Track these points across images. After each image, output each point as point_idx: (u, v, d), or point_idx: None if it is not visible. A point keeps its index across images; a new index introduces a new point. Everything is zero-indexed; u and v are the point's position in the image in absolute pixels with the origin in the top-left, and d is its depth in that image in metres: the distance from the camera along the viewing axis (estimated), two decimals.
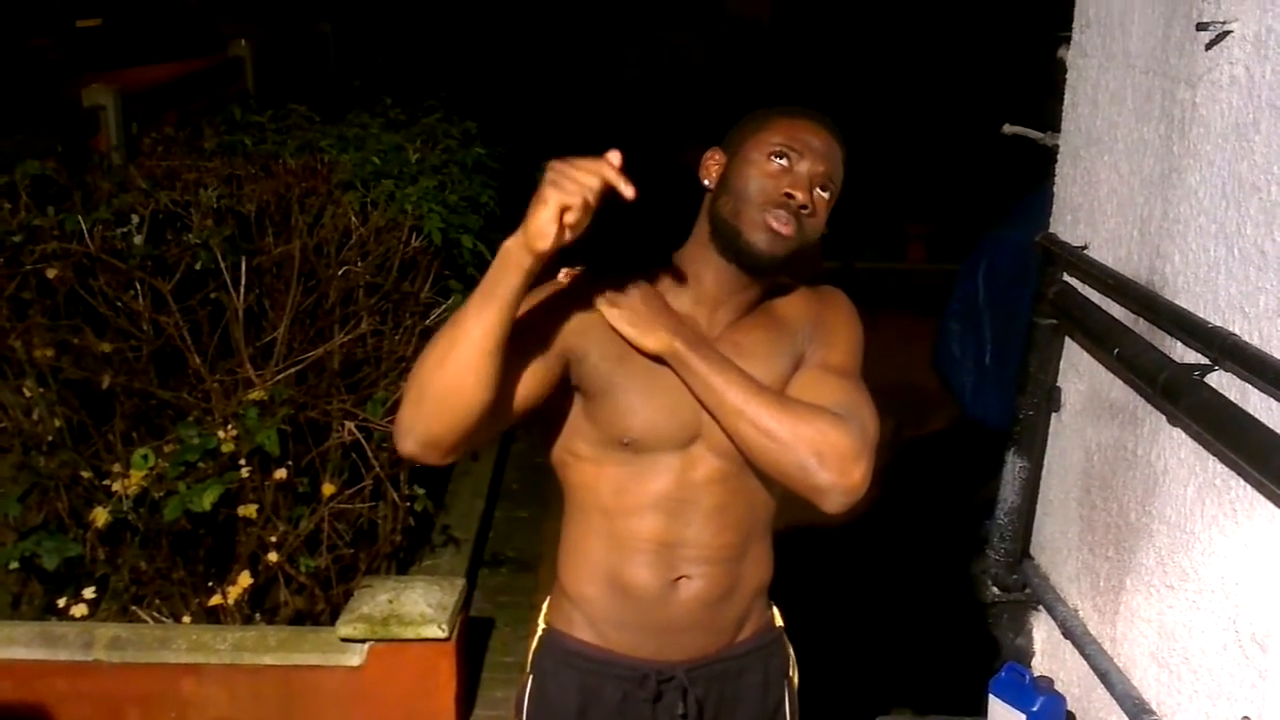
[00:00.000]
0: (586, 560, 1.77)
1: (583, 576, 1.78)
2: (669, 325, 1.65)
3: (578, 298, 1.67)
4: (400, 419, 1.55)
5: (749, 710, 1.86)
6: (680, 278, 1.72)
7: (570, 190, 1.40)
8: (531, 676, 1.85)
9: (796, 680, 1.94)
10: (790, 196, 1.62)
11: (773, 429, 1.60)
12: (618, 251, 1.77)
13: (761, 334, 1.73)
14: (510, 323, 1.48)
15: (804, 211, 1.63)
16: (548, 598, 1.88)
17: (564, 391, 1.69)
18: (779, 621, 1.93)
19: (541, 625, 1.87)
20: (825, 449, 1.59)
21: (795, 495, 1.65)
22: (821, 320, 1.78)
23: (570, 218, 1.41)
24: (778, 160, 1.64)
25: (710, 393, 1.62)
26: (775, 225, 1.62)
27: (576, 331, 1.65)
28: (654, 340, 1.64)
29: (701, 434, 1.69)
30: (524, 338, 1.57)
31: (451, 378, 1.48)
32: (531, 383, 1.60)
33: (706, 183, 1.71)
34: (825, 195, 1.66)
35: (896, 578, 4.27)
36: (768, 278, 1.72)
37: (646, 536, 1.71)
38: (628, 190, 1.42)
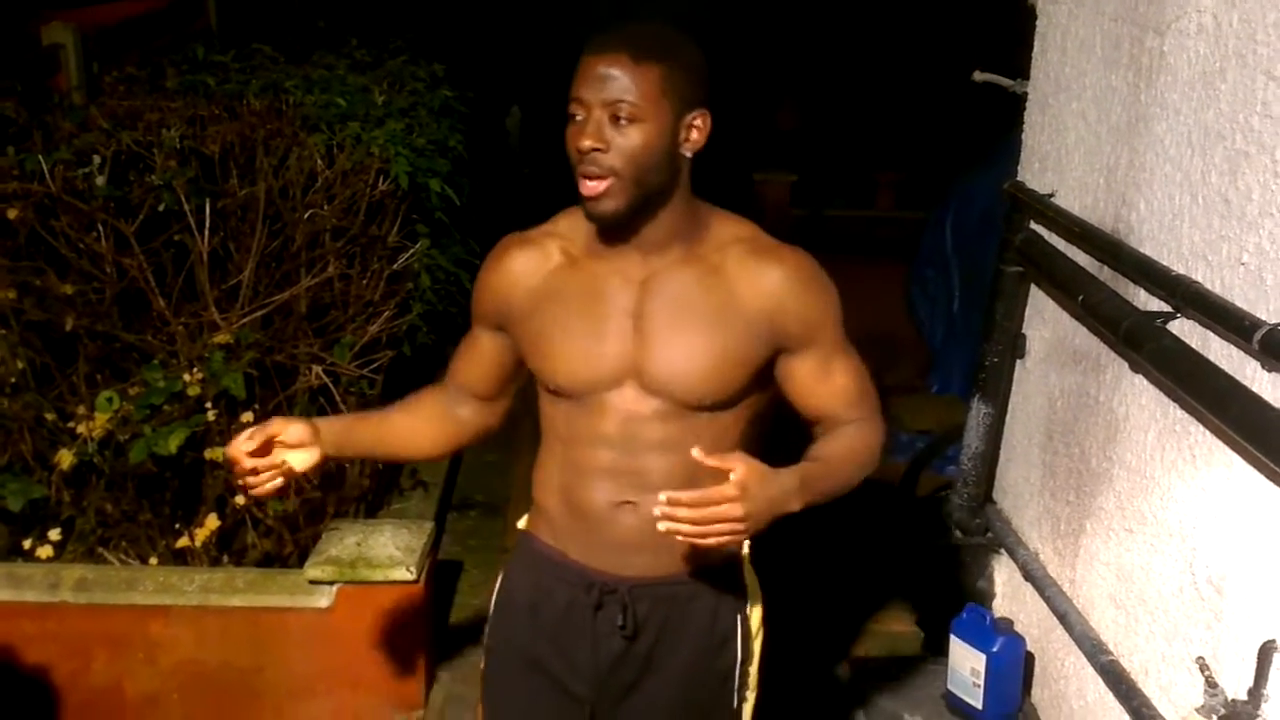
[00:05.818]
0: (548, 476, 1.89)
1: (545, 491, 1.90)
2: (787, 491, 1.69)
3: (503, 268, 1.83)
4: None
5: (693, 637, 1.89)
6: (596, 228, 1.78)
7: None
8: (503, 574, 1.99)
9: (755, 617, 1.96)
10: (581, 152, 1.64)
11: (857, 480, 1.85)
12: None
13: (708, 297, 1.76)
14: None
15: (599, 153, 1.64)
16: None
17: None
18: (744, 551, 1.96)
19: (521, 527, 2.00)
20: (876, 456, 1.86)
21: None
22: (787, 301, 1.78)
23: None
24: (575, 116, 1.66)
25: (829, 496, 1.79)
26: (585, 192, 1.67)
27: (505, 303, 1.83)
28: (796, 500, 1.70)
29: (631, 375, 1.76)
30: (477, 327, 1.88)
31: None
32: (489, 360, 1.91)
33: None
34: (626, 121, 1.64)
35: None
36: (649, 217, 1.73)
37: (598, 465, 1.80)
38: None
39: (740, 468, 1.60)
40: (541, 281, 1.80)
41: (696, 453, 1.61)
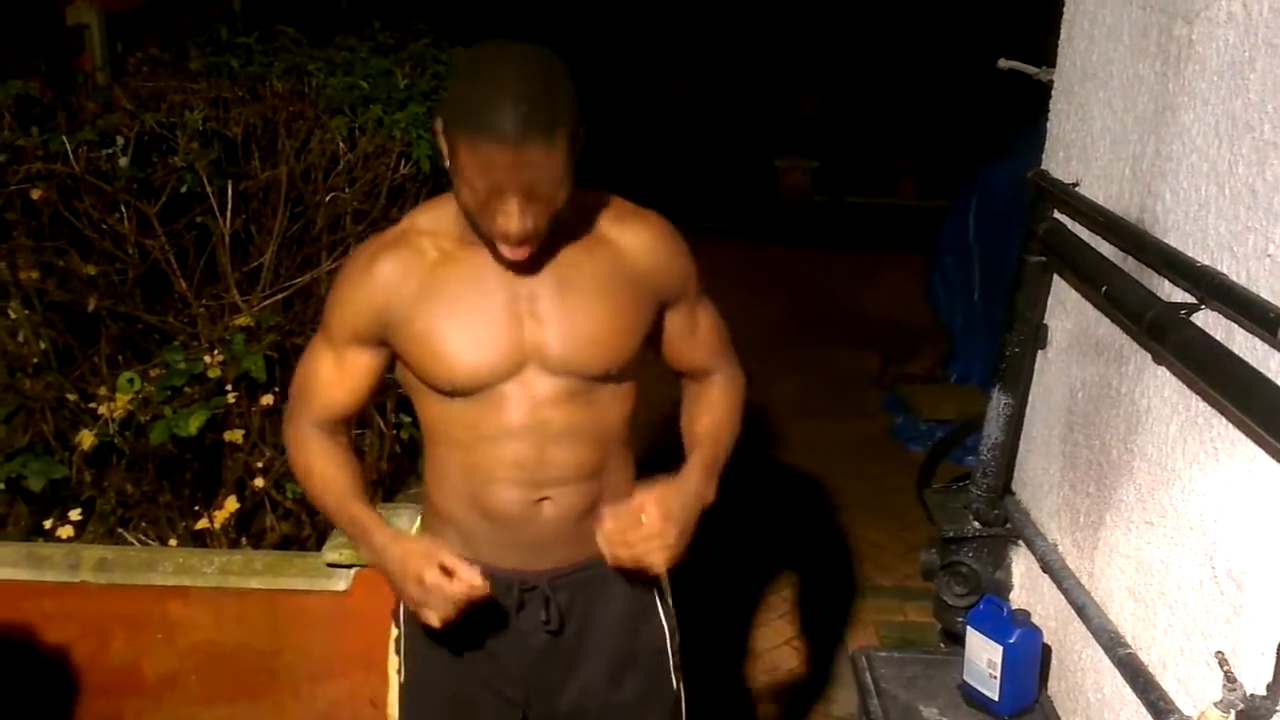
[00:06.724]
0: (449, 484, 1.84)
1: (447, 499, 1.85)
2: (699, 493, 1.83)
3: (375, 278, 1.75)
4: (289, 459, 1.94)
5: (613, 615, 1.91)
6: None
7: (439, 606, 1.70)
8: None
9: (668, 588, 1.99)
10: (506, 234, 1.62)
11: (738, 435, 1.98)
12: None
13: (596, 266, 1.77)
14: None
15: (528, 230, 1.62)
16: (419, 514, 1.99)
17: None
18: None
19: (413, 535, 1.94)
20: (743, 404, 2.00)
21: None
22: (664, 258, 1.84)
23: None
24: (480, 191, 1.60)
25: (724, 466, 1.93)
26: (507, 254, 1.66)
27: (385, 312, 1.75)
28: (712, 493, 1.85)
29: (532, 358, 1.74)
30: (349, 348, 1.81)
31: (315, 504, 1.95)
32: (371, 379, 1.85)
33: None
34: (539, 193, 1.60)
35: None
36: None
37: (506, 463, 1.77)
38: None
39: (651, 506, 1.71)
40: (420, 282, 1.73)
41: (606, 517, 1.73)
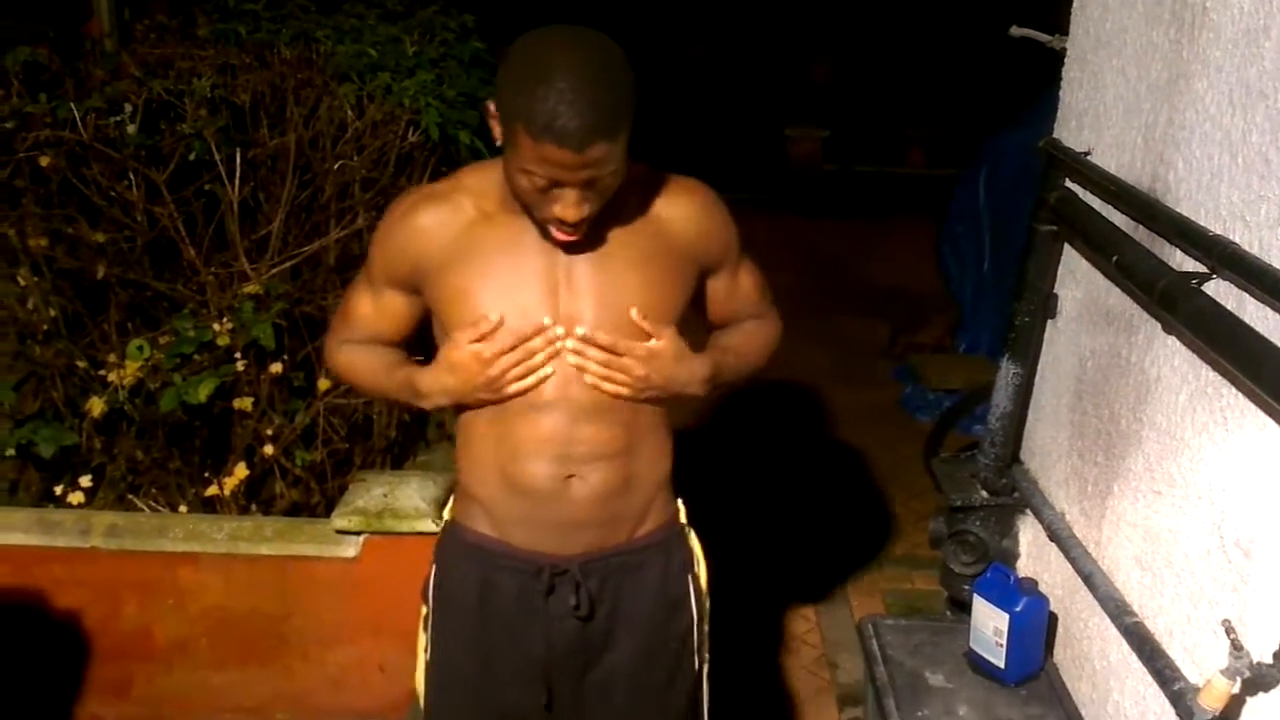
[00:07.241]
0: (480, 462, 1.83)
1: (477, 477, 1.84)
2: (695, 379, 1.82)
3: (413, 225, 1.78)
4: (332, 371, 2.03)
5: (645, 604, 1.89)
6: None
7: (492, 366, 1.72)
8: (434, 566, 1.94)
9: (704, 576, 1.97)
10: (563, 221, 1.64)
11: (759, 368, 2.01)
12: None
13: (635, 236, 1.77)
14: None
15: (584, 216, 1.65)
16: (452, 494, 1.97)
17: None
18: (683, 517, 1.96)
19: (446, 517, 1.95)
20: (776, 344, 2.03)
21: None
22: (706, 227, 1.85)
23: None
24: (542, 191, 1.62)
25: (732, 385, 1.96)
26: (560, 235, 1.68)
27: (421, 259, 1.78)
28: (700, 388, 1.84)
29: (566, 330, 1.74)
30: (385, 290, 1.85)
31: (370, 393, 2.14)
32: (408, 321, 1.88)
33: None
34: (598, 184, 1.62)
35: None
36: None
37: (535, 437, 1.76)
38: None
39: (663, 339, 1.74)
40: (455, 236, 1.75)
41: (634, 313, 1.72)
